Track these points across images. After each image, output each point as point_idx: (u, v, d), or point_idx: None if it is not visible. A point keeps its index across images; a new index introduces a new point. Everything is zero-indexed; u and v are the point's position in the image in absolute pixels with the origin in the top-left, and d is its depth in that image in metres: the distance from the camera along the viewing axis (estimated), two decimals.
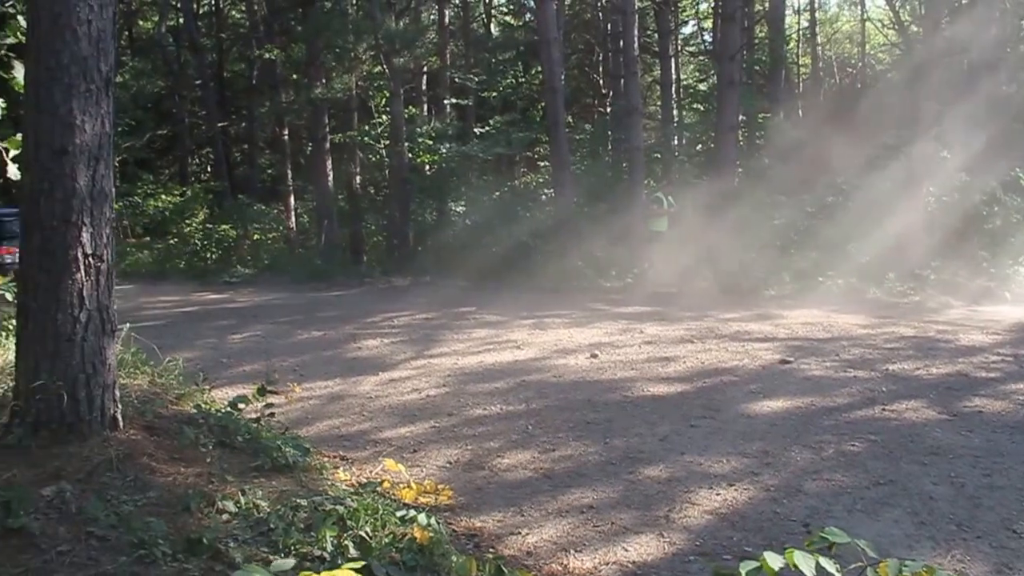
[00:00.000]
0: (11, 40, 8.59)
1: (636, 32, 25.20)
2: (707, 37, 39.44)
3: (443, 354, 12.77)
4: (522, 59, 36.72)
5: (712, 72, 33.85)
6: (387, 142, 27.38)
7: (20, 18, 8.16)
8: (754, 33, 30.76)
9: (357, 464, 7.76)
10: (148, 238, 32.51)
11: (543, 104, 29.69)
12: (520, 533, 6.28)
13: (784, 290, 18.47)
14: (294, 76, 31.46)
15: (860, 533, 3.31)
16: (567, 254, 21.60)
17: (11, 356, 7.02)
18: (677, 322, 14.93)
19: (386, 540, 5.10)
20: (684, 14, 38.01)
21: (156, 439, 6.18)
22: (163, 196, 34.30)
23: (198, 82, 37.14)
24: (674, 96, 33.44)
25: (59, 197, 5.63)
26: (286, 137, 32.57)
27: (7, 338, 8.45)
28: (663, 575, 5.65)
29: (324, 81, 26.95)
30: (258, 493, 5.58)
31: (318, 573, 2.62)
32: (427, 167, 27.61)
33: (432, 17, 32.11)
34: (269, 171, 36.91)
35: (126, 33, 38.84)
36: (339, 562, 4.68)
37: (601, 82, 36.17)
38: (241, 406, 7.00)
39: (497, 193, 27.44)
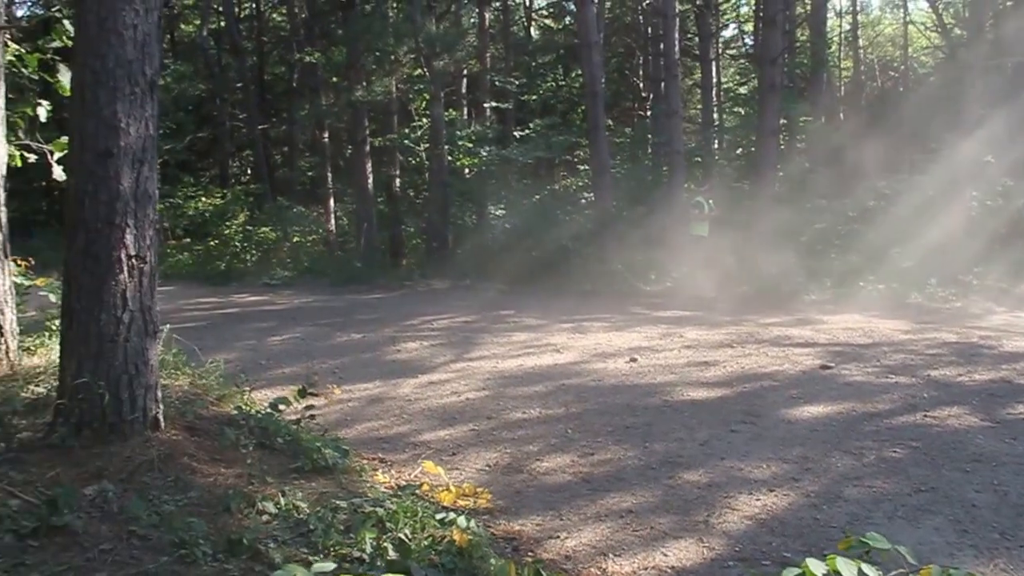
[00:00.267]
0: (56, 44, 8.69)
1: (677, 35, 25.15)
2: (748, 40, 39.31)
3: (482, 357, 12.77)
4: (562, 62, 36.69)
5: (753, 75, 33.70)
6: (427, 145, 27.44)
7: (66, 22, 8.25)
8: (795, 36, 30.59)
9: (396, 466, 7.78)
10: (188, 240, 32.67)
11: (583, 107, 29.68)
12: (559, 537, 6.27)
13: (824, 295, 18.35)
14: (334, 79, 31.55)
15: (901, 540, 3.29)
16: (606, 258, 21.56)
17: (55, 356, 7.08)
18: (717, 326, 14.87)
19: (425, 542, 5.10)
20: (725, 17, 37.87)
21: (197, 440, 6.21)
22: (203, 198, 34.47)
23: (239, 85, 37.31)
24: (714, 100, 33.36)
25: (103, 199, 5.68)
26: (326, 140, 32.64)
27: (51, 338, 8.54)
28: None
29: (364, 84, 27.00)
30: (298, 494, 5.60)
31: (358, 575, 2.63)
32: (467, 170, 27.64)
33: (472, 20, 32.10)
34: (309, 174, 37.00)
35: (168, 36, 39.04)
36: (378, 563, 4.70)
37: (641, 85, 36.09)
38: (282, 408, 7.03)
39: (536, 196, 27.40)
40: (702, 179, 25.27)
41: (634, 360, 12.17)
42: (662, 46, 26.88)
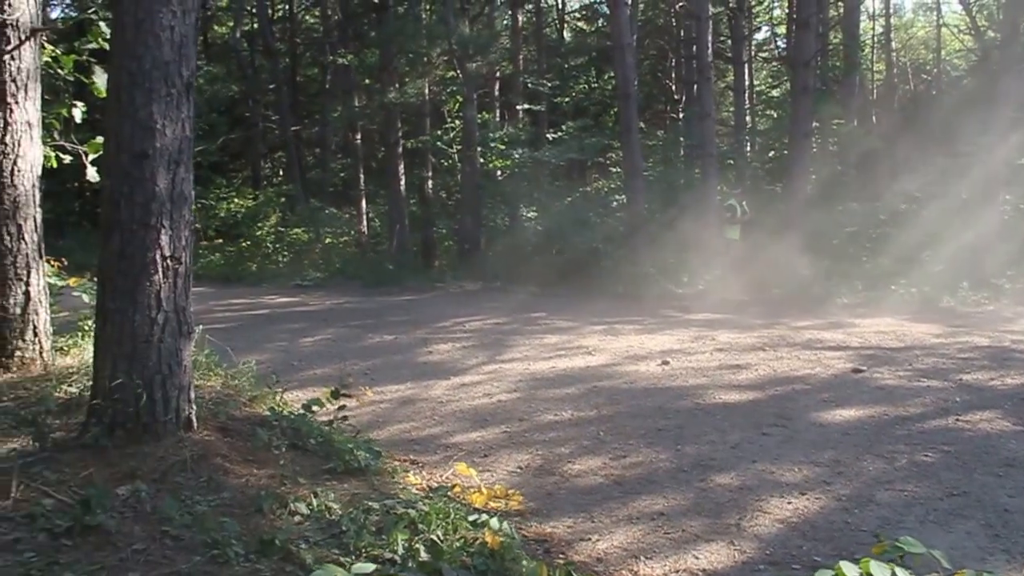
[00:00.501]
0: (92, 46, 8.74)
1: (710, 38, 25.07)
2: (780, 43, 39.18)
3: (514, 359, 12.77)
4: (595, 64, 36.63)
5: (785, 78, 33.60)
6: (459, 147, 27.45)
7: (102, 24, 8.30)
8: (828, 39, 30.46)
9: (428, 468, 7.79)
10: (220, 241, 32.77)
11: (616, 110, 29.66)
12: (590, 539, 6.26)
13: (856, 298, 18.28)
14: (367, 81, 31.62)
15: (932, 544, 3.26)
16: (639, 260, 21.51)
17: (88, 356, 7.12)
18: (749, 329, 14.84)
19: (457, 544, 5.10)
20: (758, 20, 37.78)
21: (229, 440, 6.23)
22: (236, 199, 34.59)
23: (272, 87, 37.37)
24: (747, 102, 33.25)
25: (139, 200, 5.70)
26: (358, 141, 32.71)
27: (84, 339, 8.59)
28: None
29: (397, 86, 27.06)
30: (330, 495, 5.61)
31: None
32: (499, 172, 27.65)
33: (506, 22, 32.13)
34: (341, 175, 37.05)
35: (201, 38, 39.13)
36: (410, 565, 4.70)
37: (674, 88, 35.99)
38: (315, 409, 7.05)
39: (569, 199, 27.36)
40: (735, 182, 25.21)
41: (666, 363, 12.15)
42: (695, 48, 26.79)
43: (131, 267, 5.72)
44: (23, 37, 7.69)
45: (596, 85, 36.39)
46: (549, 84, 31.86)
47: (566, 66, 35.91)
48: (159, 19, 5.74)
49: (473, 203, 26.44)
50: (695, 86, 28.62)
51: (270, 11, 38.54)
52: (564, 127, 30.07)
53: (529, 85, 31.01)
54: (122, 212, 5.71)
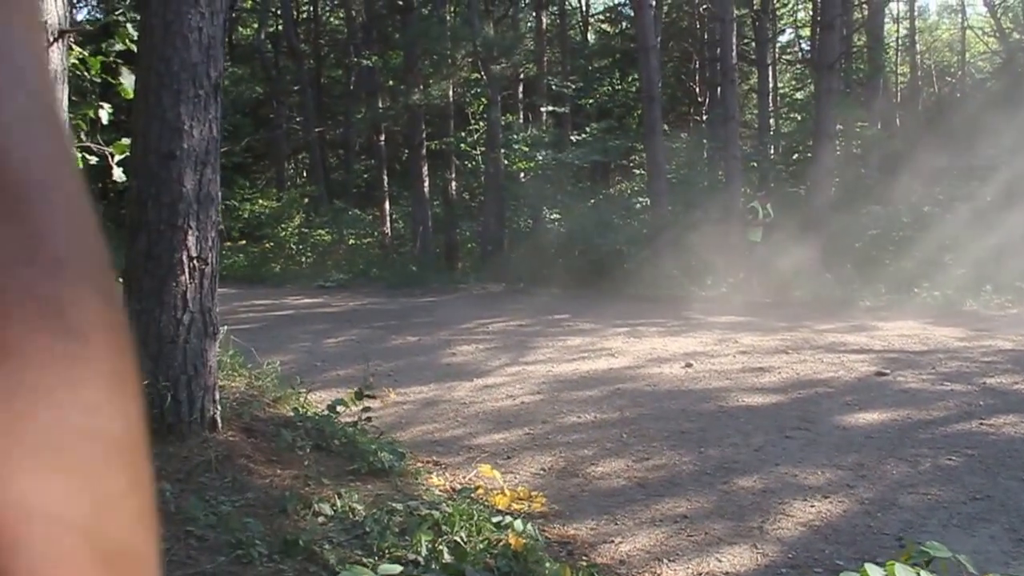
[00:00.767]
0: (119, 47, 8.78)
1: (734, 40, 25.06)
2: (805, 45, 39.17)
3: (537, 361, 12.77)
4: (619, 66, 36.64)
5: (809, 81, 33.55)
6: (483, 149, 27.46)
7: (129, 26, 8.34)
8: (853, 41, 30.40)
9: (451, 469, 7.79)
10: (244, 242, 32.85)
11: (639, 112, 29.64)
12: (613, 541, 6.25)
13: (879, 301, 18.21)
14: (391, 83, 31.66)
15: (956, 549, 3.25)
16: (662, 263, 21.48)
17: None
18: (772, 332, 14.80)
19: (480, 546, 5.11)
20: (782, 22, 37.74)
21: (254, 441, 6.26)
22: (260, 200, 34.68)
23: (296, 88, 37.47)
24: (771, 105, 33.21)
25: (166, 201, 5.74)
26: (382, 143, 32.75)
27: None
28: None
29: (421, 88, 27.11)
30: (354, 496, 5.63)
31: None
32: (522, 174, 27.67)
33: (530, 24, 32.18)
34: (365, 176, 37.14)
35: (226, 39, 39.29)
36: (433, 566, 4.71)
37: (697, 90, 35.98)
38: (339, 410, 7.08)
39: (592, 201, 27.36)
40: (758, 185, 25.17)
41: (689, 365, 12.13)
42: (719, 51, 26.79)
43: (158, 268, 5.76)
44: (51, 39, 7.73)
45: (620, 87, 36.41)
46: (573, 86, 31.85)
47: (590, 68, 35.95)
48: (187, 21, 5.77)
49: (496, 205, 26.46)
50: (719, 88, 28.63)
51: (295, 13, 38.68)
52: (588, 129, 30.06)
53: (553, 87, 31.01)
54: (149, 213, 5.74)
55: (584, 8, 38.70)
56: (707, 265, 21.12)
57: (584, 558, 5.89)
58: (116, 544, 0.36)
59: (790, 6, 38.00)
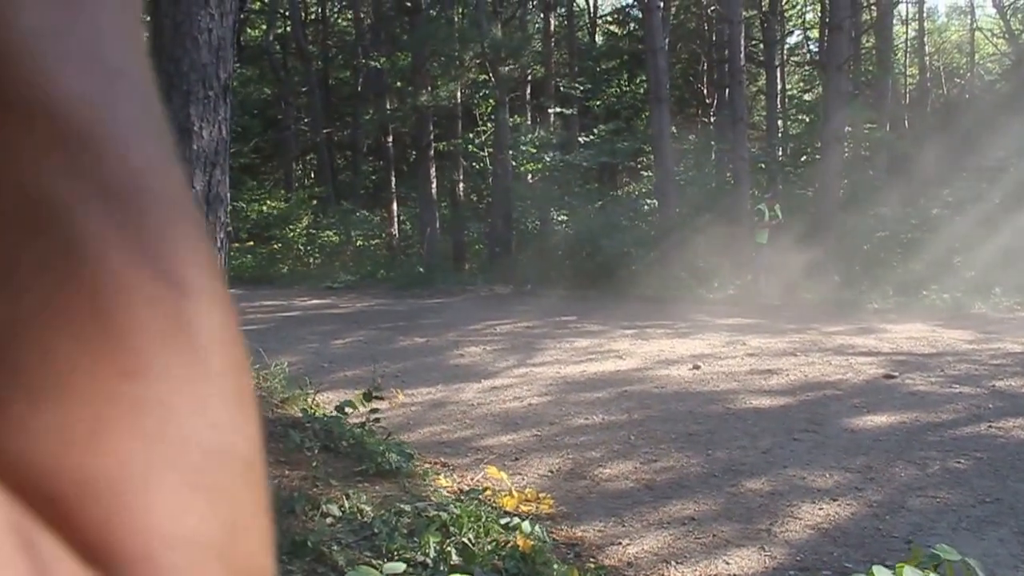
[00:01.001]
0: None
1: (742, 41, 25.04)
2: (813, 47, 39.09)
3: (545, 363, 12.77)
4: (627, 68, 36.65)
5: (818, 82, 33.52)
6: (491, 150, 27.48)
7: None
8: (861, 43, 30.36)
9: (459, 471, 7.79)
10: (252, 243, 32.87)
11: (647, 113, 29.61)
12: (621, 543, 6.25)
13: (888, 304, 18.19)
14: (399, 84, 31.66)
15: (965, 552, 3.24)
16: (669, 264, 21.47)
17: None
18: (780, 334, 14.78)
19: (488, 547, 5.12)
20: (790, 24, 37.68)
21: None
22: (268, 201, 34.69)
23: (304, 89, 37.50)
24: (779, 106, 33.17)
25: None
26: (390, 144, 32.74)
27: None
28: None
29: (429, 89, 27.12)
30: (362, 497, 5.63)
31: None
32: (530, 176, 27.67)
33: (537, 26, 32.17)
34: (372, 178, 37.15)
35: (235, 41, 39.24)
36: (441, 568, 4.72)
37: (705, 92, 35.97)
38: (347, 411, 7.08)
39: (600, 202, 27.37)
40: (766, 186, 25.15)
41: (697, 367, 12.12)
42: (727, 52, 26.74)
43: None
44: None
45: (628, 89, 36.42)
46: (581, 87, 31.89)
47: (598, 69, 35.94)
48: (197, 22, 5.77)
49: (504, 206, 26.46)
50: (727, 90, 28.67)
51: (303, 14, 38.71)
52: (596, 130, 30.04)
53: (561, 88, 31.03)
54: None
55: (592, 10, 38.71)
56: (715, 267, 21.12)
57: (592, 560, 5.89)
58: (247, 567, 0.36)
59: (798, 8, 37.99)
